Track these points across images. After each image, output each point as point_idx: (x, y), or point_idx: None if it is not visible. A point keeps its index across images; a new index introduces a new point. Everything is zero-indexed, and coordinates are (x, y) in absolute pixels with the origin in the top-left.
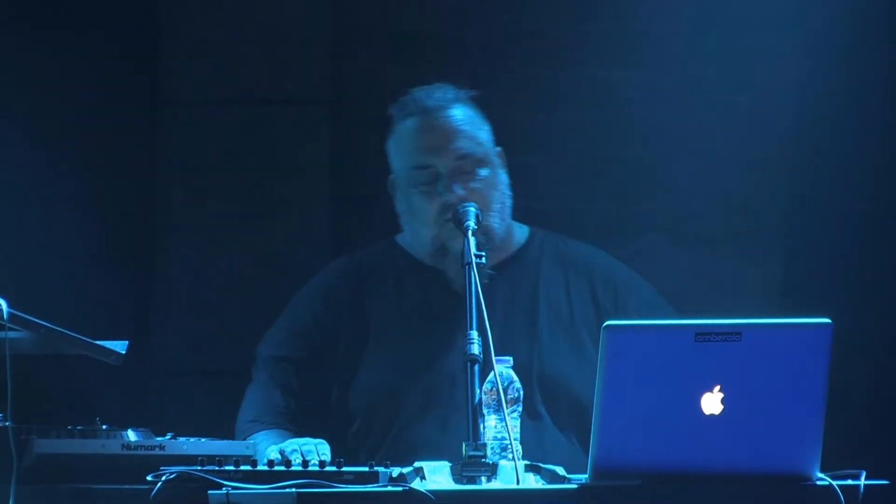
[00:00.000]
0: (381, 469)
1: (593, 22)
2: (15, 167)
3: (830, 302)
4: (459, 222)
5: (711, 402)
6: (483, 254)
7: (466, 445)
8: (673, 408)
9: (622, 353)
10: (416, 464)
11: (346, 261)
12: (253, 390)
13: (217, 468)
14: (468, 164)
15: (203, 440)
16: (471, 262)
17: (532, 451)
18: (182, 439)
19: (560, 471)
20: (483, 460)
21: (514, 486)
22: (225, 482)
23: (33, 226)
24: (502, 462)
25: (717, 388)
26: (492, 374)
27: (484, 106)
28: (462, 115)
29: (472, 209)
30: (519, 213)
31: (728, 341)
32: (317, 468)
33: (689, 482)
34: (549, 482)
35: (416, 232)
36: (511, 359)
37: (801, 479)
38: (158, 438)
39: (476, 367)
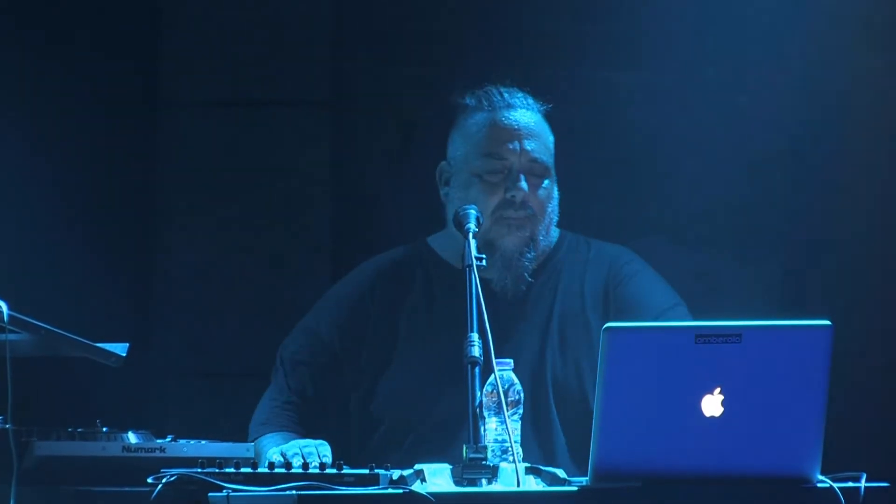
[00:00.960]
0: (381, 471)
1: (593, 22)
2: (15, 167)
3: (830, 303)
4: (460, 225)
5: (712, 405)
6: (484, 256)
7: (467, 448)
8: (673, 410)
9: (622, 355)
10: (417, 466)
11: (373, 265)
12: (268, 392)
13: (217, 470)
14: (538, 169)
15: (203, 442)
16: (471, 265)
17: (533, 451)
18: (182, 441)
19: (561, 473)
20: (484, 462)
21: (514, 488)
22: (225, 484)
23: (33, 227)
24: (503, 464)
25: (718, 390)
26: (492, 376)
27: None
28: (537, 121)
29: (473, 212)
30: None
31: (728, 343)
32: (317, 470)
33: (690, 484)
34: (550, 484)
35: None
36: (511, 361)
37: (802, 481)
38: (159, 441)
39: (477, 370)
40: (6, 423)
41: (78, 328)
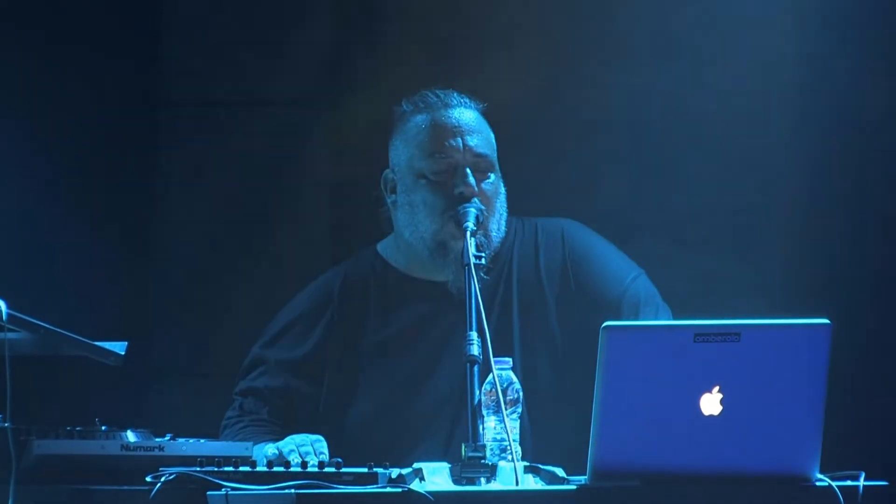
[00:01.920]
0: (380, 470)
1: (593, 22)
2: (15, 167)
3: (830, 302)
4: (459, 223)
5: (710, 403)
6: (483, 255)
7: (466, 446)
8: (672, 408)
9: (621, 354)
10: (416, 465)
11: (326, 281)
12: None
13: (216, 469)
14: (483, 164)
15: (202, 441)
16: (470, 264)
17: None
18: (181, 440)
19: (559, 472)
20: (482, 461)
21: (513, 487)
22: (224, 483)
23: (33, 226)
24: (501, 463)
25: (716, 388)
26: (491, 375)
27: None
28: (476, 117)
29: (473, 210)
30: (519, 213)
31: (727, 342)
32: (316, 469)
33: (688, 483)
34: (549, 483)
35: (416, 227)
36: (510, 360)
37: (801, 479)
38: (157, 439)
39: (476, 368)
40: (5, 422)
41: (77, 327)
